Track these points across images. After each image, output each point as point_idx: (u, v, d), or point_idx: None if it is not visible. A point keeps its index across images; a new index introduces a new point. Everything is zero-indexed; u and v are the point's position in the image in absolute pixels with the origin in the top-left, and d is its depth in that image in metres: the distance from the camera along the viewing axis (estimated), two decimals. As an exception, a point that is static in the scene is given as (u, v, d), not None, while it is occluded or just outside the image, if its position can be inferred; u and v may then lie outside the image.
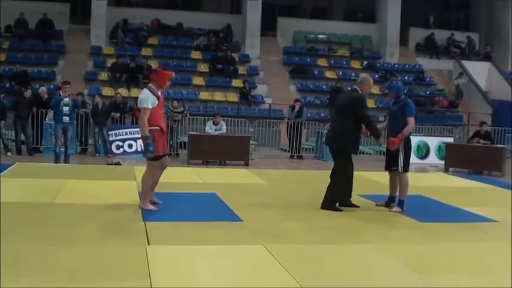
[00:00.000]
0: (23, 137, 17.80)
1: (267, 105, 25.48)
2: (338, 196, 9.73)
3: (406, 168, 9.72)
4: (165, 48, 28.72)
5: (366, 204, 10.21)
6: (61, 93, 15.43)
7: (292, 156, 20.30)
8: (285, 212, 9.30)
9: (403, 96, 9.90)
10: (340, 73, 28.85)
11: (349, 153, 9.77)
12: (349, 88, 10.43)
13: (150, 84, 8.89)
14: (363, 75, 10.47)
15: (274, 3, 31.56)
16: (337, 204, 9.69)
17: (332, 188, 9.67)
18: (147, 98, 8.62)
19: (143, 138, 8.59)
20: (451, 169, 17.77)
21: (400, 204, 9.70)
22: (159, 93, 8.83)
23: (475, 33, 33.71)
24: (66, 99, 15.31)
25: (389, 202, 9.98)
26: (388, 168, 9.93)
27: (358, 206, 9.85)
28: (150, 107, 8.60)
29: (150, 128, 8.60)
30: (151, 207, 8.88)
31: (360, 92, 9.77)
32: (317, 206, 9.69)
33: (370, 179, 13.51)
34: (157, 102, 8.71)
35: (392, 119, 9.89)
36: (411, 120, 9.57)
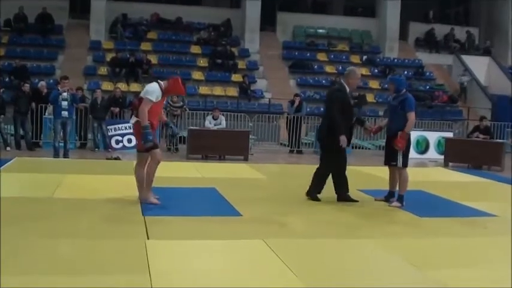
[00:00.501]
0: (22, 131, 17.77)
1: (267, 100, 25.48)
2: (321, 185, 9.87)
3: (405, 163, 9.70)
4: (165, 43, 28.69)
5: (365, 199, 10.21)
6: (59, 88, 15.41)
7: (291, 151, 20.30)
8: (284, 206, 9.30)
9: (404, 90, 9.80)
10: (340, 68, 28.71)
11: (337, 148, 9.72)
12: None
13: (160, 81, 8.91)
14: (349, 67, 10.48)
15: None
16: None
17: (317, 177, 9.89)
18: (153, 91, 8.68)
19: (143, 127, 8.58)
20: (450, 164, 17.77)
21: (400, 199, 9.68)
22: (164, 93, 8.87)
23: (474, 27, 33.70)
24: (65, 94, 15.28)
25: (388, 197, 9.97)
26: (387, 163, 9.92)
27: (357, 201, 9.84)
28: (154, 100, 8.62)
29: None
30: (154, 200, 8.89)
31: (346, 85, 9.76)
32: (316, 201, 9.72)
33: (369, 173, 13.50)
34: (160, 99, 8.76)
35: (392, 114, 9.85)
36: (411, 116, 9.52)
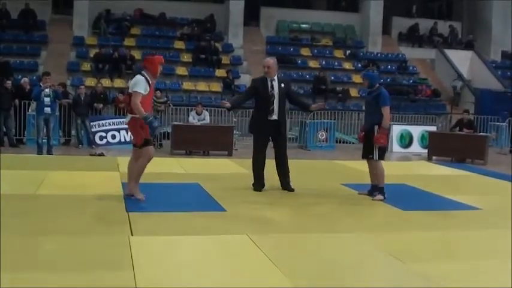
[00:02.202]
0: (5, 128, 17.64)
1: (251, 95, 25.41)
2: (254, 174, 10.22)
3: (381, 156, 9.76)
4: (148, 38, 28.55)
5: (349, 193, 10.28)
6: (42, 84, 15.38)
7: (275, 146, 20.27)
8: (268, 201, 9.33)
9: (377, 85, 9.90)
10: (323, 62, 28.83)
11: (254, 134, 10.41)
12: None
13: (143, 72, 8.86)
14: None
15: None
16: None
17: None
18: (140, 83, 8.64)
19: (144, 118, 8.56)
20: (434, 157, 17.85)
21: (381, 191, 9.72)
22: (151, 82, 8.82)
23: (457, 22, 33.81)
24: (47, 90, 15.24)
25: (372, 191, 10.00)
26: (365, 156, 9.99)
27: (258, 190, 10.11)
28: (143, 92, 8.60)
29: (137, 115, 8.63)
30: (140, 195, 8.89)
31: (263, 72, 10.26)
32: (300, 195, 9.79)
33: (353, 168, 13.52)
34: (149, 89, 8.72)
35: (368, 108, 10.08)
36: (386, 110, 9.61)
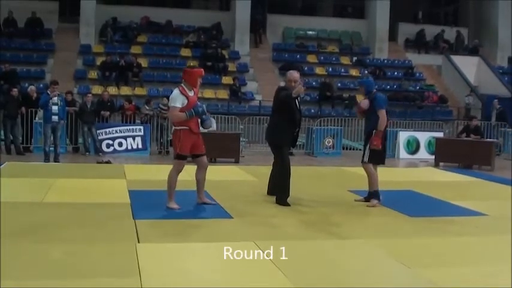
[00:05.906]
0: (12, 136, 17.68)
1: (257, 101, 25.48)
2: (288, 187, 9.68)
3: (371, 159, 9.82)
4: (155, 46, 28.65)
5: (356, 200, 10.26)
6: (49, 93, 15.42)
7: (282, 153, 20.23)
8: (275, 208, 9.32)
9: (374, 91, 9.98)
10: (330, 69, 28.88)
11: (287, 147, 9.91)
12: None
13: (181, 85, 9.12)
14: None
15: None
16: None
17: (282, 184, 9.71)
18: (175, 98, 8.91)
19: (189, 115, 8.85)
20: (441, 164, 17.82)
21: (374, 195, 9.76)
22: (190, 94, 9.05)
23: (464, 28, 33.80)
24: (55, 99, 15.29)
25: (368, 197, 10.00)
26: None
27: (289, 205, 9.70)
28: (179, 106, 8.80)
29: (178, 128, 8.93)
30: (175, 205, 8.97)
31: (287, 86, 9.76)
32: (307, 202, 9.77)
33: (359, 174, 13.42)
34: (186, 102, 8.90)
35: (366, 114, 10.03)
36: (382, 113, 9.68)
